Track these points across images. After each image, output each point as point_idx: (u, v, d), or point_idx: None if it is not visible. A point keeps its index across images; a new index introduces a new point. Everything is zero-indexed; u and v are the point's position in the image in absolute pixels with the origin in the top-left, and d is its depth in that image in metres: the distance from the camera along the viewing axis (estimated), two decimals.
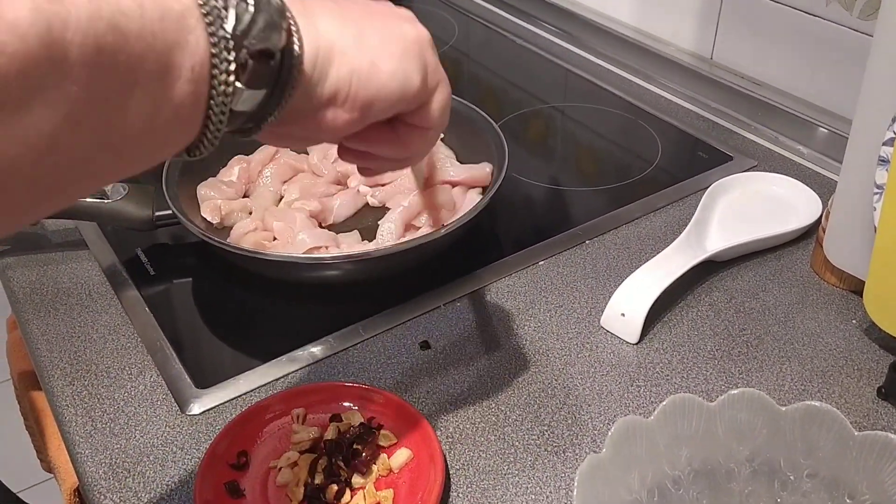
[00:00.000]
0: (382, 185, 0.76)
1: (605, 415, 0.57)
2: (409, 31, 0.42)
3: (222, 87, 0.33)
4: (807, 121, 0.85)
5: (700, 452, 0.48)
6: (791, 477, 0.48)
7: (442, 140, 0.82)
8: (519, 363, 0.61)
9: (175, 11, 0.31)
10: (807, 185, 0.77)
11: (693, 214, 0.72)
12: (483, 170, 0.75)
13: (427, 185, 0.74)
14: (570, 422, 0.57)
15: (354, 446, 0.53)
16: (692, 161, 0.85)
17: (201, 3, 0.32)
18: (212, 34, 0.32)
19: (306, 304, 0.69)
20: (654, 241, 0.73)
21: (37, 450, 0.95)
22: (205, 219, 0.72)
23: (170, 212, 0.68)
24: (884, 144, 0.58)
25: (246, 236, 0.70)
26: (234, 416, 0.56)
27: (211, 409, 0.58)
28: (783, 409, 0.47)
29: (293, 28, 0.36)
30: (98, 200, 0.69)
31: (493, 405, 0.58)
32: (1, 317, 1.00)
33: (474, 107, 0.80)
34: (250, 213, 0.74)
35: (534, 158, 0.88)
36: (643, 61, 1.01)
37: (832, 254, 0.66)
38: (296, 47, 0.36)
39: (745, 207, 0.76)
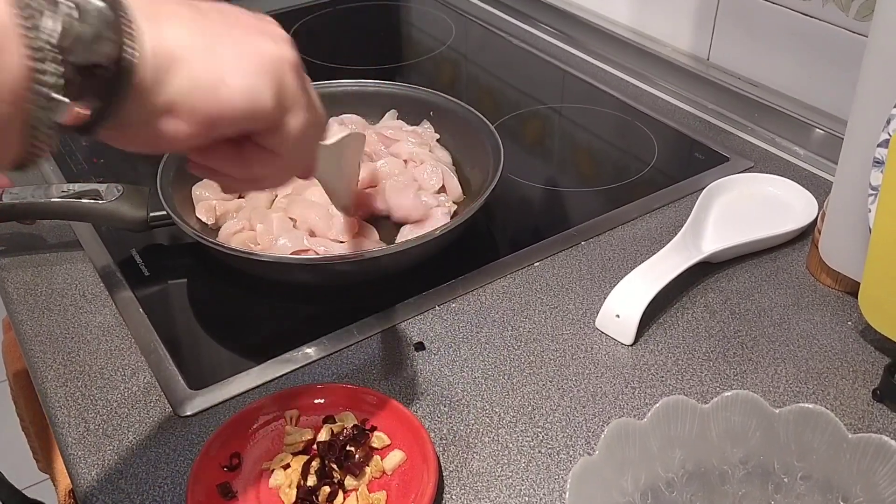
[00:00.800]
0: (375, 186, 0.76)
1: (599, 416, 0.57)
2: (270, 48, 0.39)
3: (45, 103, 0.32)
4: (803, 122, 0.85)
5: (693, 454, 0.48)
6: (785, 479, 0.47)
7: (438, 142, 0.82)
8: (513, 365, 0.61)
9: None
10: (803, 186, 0.77)
11: (689, 215, 0.72)
12: (418, 203, 0.73)
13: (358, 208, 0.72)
14: (563, 423, 0.56)
15: (347, 448, 0.53)
16: (688, 162, 0.85)
17: (21, 17, 0.30)
18: (32, 51, 0.31)
19: (300, 305, 0.68)
20: (650, 243, 0.73)
21: (33, 450, 0.94)
22: (199, 219, 0.72)
23: (164, 212, 0.68)
24: (878, 146, 0.58)
25: (234, 237, 0.70)
26: (227, 417, 0.56)
27: (204, 410, 0.58)
28: (777, 411, 0.47)
29: (127, 35, 0.34)
30: (93, 201, 0.69)
31: (487, 407, 0.58)
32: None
33: (470, 108, 0.80)
34: None
35: (530, 159, 0.88)
36: (640, 62, 1.01)
37: (827, 255, 0.66)
38: (129, 55, 0.34)
39: (741, 208, 0.75)
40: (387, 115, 0.85)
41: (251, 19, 0.41)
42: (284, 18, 1.18)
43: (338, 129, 0.83)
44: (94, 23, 0.32)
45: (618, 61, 1.04)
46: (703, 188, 0.75)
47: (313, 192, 0.73)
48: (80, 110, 0.33)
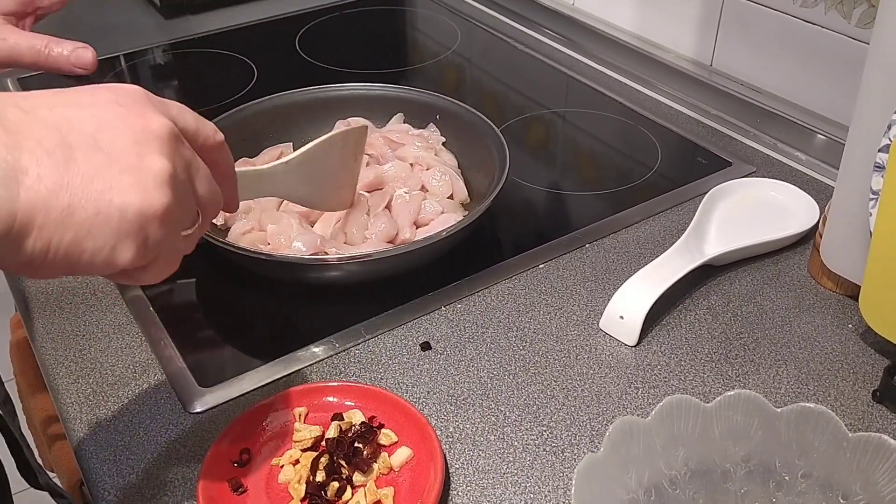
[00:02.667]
0: (380, 189, 0.77)
1: (603, 415, 0.58)
2: (134, 204, 0.37)
3: None
4: (805, 127, 0.86)
5: (696, 453, 0.49)
6: (786, 477, 0.48)
7: (444, 145, 0.83)
8: (519, 365, 0.62)
9: None
10: (804, 190, 0.78)
11: (692, 219, 0.73)
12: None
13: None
14: (568, 422, 0.57)
15: (356, 445, 0.54)
16: (691, 166, 0.86)
17: None
18: None
19: (308, 305, 0.69)
20: (653, 245, 0.74)
21: (38, 448, 0.95)
22: None
23: None
24: (879, 151, 0.59)
25: (243, 237, 0.71)
26: (236, 414, 0.57)
27: (214, 407, 0.59)
28: (778, 410, 0.48)
29: None
30: None
31: (493, 405, 0.59)
32: (5, 316, 1.00)
33: (476, 112, 0.81)
34: None
35: (534, 163, 0.89)
36: (643, 68, 1.02)
37: (829, 259, 0.67)
38: None
39: (744, 212, 0.76)
40: (393, 118, 0.86)
41: (126, 150, 0.38)
42: (291, 22, 1.19)
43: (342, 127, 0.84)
44: None
45: (621, 66, 1.05)
46: (706, 192, 0.76)
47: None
48: None
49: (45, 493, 0.86)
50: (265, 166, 0.62)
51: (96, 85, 0.41)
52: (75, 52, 0.59)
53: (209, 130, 0.45)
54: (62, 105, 0.38)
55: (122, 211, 0.37)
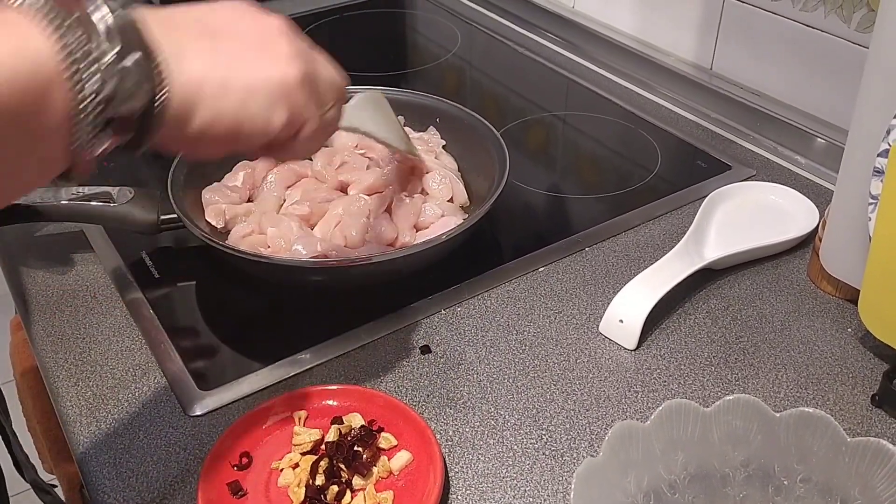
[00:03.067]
0: (381, 193, 0.77)
1: (602, 419, 0.58)
2: (277, 73, 0.44)
3: (85, 138, 0.36)
4: (805, 131, 0.86)
5: (696, 457, 0.49)
6: (785, 482, 0.48)
7: (444, 148, 0.83)
8: (518, 368, 0.62)
9: (37, 82, 0.33)
10: (804, 194, 0.78)
11: (691, 223, 0.73)
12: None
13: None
14: (567, 426, 0.57)
15: (355, 448, 0.54)
16: (691, 170, 0.86)
17: (66, 71, 0.34)
18: (76, 100, 0.34)
19: (308, 308, 0.69)
20: (653, 249, 0.74)
21: (38, 451, 0.95)
22: (209, 223, 0.73)
23: (174, 215, 0.69)
24: (879, 155, 0.59)
25: (243, 240, 0.71)
26: (236, 417, 0.57)
27: (214, 410, 0.59)
28: (777, 415, 0.48)
29: (160, 83, 0.38)
30: (104, 204, 0.70)
31: (493, 409, 0.59)
32: (5, 318, 1.00)
33: (476, 115, 0.81)
34: None
35: (534, 166, 0.89)
36: (644, 71, 1.02)
37: (828, 263, 0.67)
38: (161, 99, 0.38)
39: (743, 216, 0.76)
40: None
41: (259, 36, 0.44)
42: None
43: (345, 136, 0.84)
44: (132, 78, 0.36)
45: (622, 70, 1.05)
46: (706, 196, 0.76)
47: (336, 204, 0.74)
48: (115, 141, 0.38)
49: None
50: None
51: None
52: None
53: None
54: (193, 9, 0.43)
55: (267, 81, 0.43)
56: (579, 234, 0.76)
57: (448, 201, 0.77)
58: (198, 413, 0.59)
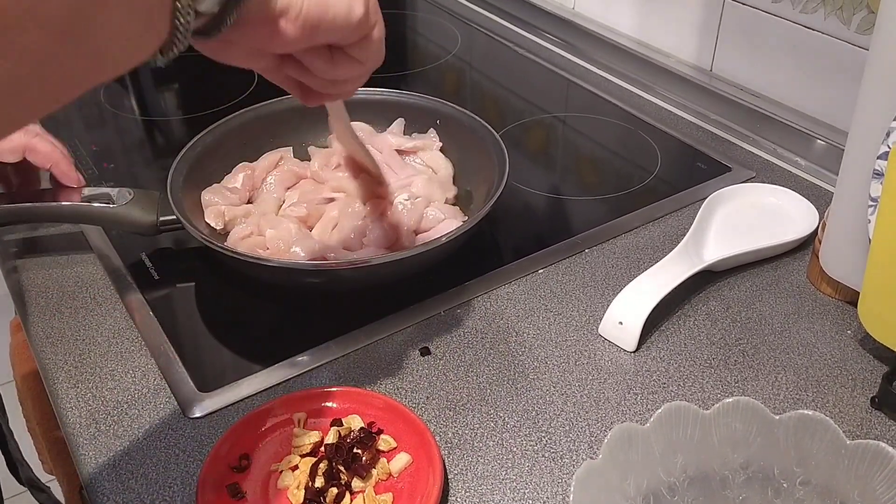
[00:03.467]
0: (382, 198, 0.77)
1: (602, 422, 0.58)
2: None
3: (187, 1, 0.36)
4: (805, 133, 0.86)
5: (695, 459, 0.49)
6: (784, 484, 0.48)
7: (442, 151, 0.83)
8: (518, 370, 0.62)
9: None
10: (804, 196, 0.78)
11: (691, 225, 0.73)
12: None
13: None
14: (567, 428, 0.57)
15: (355, 450, 0.54)
16: (691, 172, 0.86)
17: None
18: None
19: (307, 310, 0.69)
20: (653, 251, 0.74)
21: (39, 452, 0.95)
22: (208, 224, 0.73)
23: (174, 217, 0.69)
24: (878, 158, 0.59)
25: (242, 241, 0.71)
26: (235, 419, 0.57)
27: (213, 412, 0.59)
28: (777, 417, 0.48)
29: None
30: (104, 205, 0.70)
31: (492, 411, 0.59)
32: (5, 319, 1.00)
33: (476, 117, 0.81)
34: None
35: (534, 167, 0.89)
36: (644, 72, 1.03)
37: (828, 265, 0.67)
38: None
39: (743, 218, 0.76)
40: (394, 123, 0.86)
41: None
42: None
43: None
44: None
45: (621, 71, 1.05)
46: (706, 198, 0.76)
47: (333, 207, 0.74)
48: (214, 5, 0.38)
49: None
50: None
51: None
52: None
53: None
54: None
55: None
56: (579, 236, 0.76)
57: (449, 206, 0.77)
58: (197, 415, 0.59)
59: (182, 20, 0.36)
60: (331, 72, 0.48)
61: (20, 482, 0.84)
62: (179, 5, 0.36)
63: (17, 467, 0.83)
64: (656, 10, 1.02)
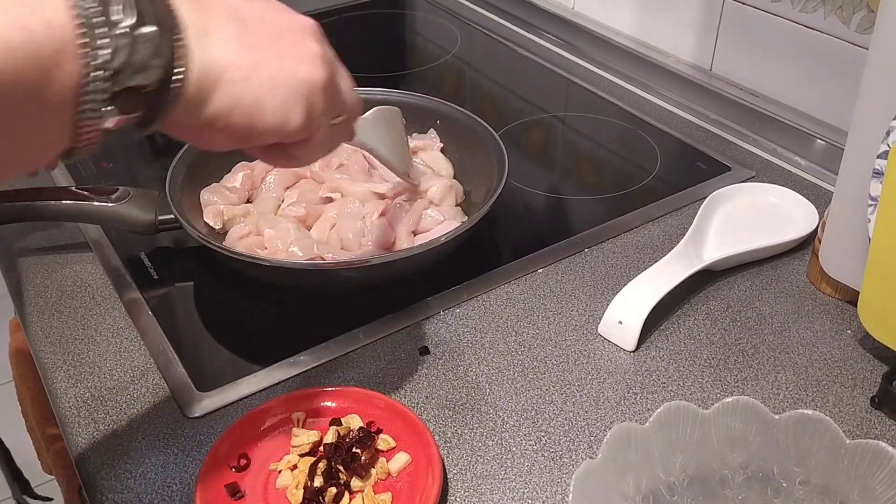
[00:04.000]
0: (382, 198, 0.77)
1: (601, 421, 0.58)
2: (303, 72, 0.43)
3: (91, 112, 0.35)
4: (804, 132, 0.86)
5: (694, 459, 0.49)
6: (784, 484, 0.48)
7: (442, 151, 0.83)
8: (517, 369, 0.62)
9: (50, 48, 0.32)
10: (804, 195, 0.78)
11: (691, 224, 0.73)
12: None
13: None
14: (566, 428, 0.57)
15: (354, 450, 0.54)
16: (691, 171, 0.86)
17: (79, 38, 0.33)
18: (86, 68, 0.33)
19: (306, 309, 0.69)
20: (653, 250, 0.74)
21: (38, 451, 0.95)
22: (207, 223, 0.73)
23: (173, 216, 0.69)
24: (878, 157, 0.59)
25: (240, 241, 0.71)
26: (234, 419, 0.57)
27: (212, 412, 0.59)
28: (776, 417, 0.48)
29: (177, 60, 0.37)
30: (102, 204, 0.70)
31: (491, 411, 0.59)
32: (4, 319, 1.00)
33: (476, 117, 0.81)
34: None
35: (534, 167, 0.89)
36: (643, 72, 1.02)
37: (828, 264, 0.67)
38: (177, 78, 0.37)
39: (743, 218, 0.76)
40: None
41: (289, 32, 0.44)
42: None
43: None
44: (144, 50, 0.35)
45: (621, 71, 1.05)
46: (705, 197, 0.76)
47: (332, 207, 0.74)
48: (124, 118, 0.36)
49: (49, 494, 0.86)
50: None
51: None
52: None
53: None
54: None
55: (295, 76, 0.42)
56: (579, 236, 0.76)
57: (448, 207, 0.76)
58: (196, 415, 0.59)
59: (84, 138, 0.35)
60: (283, 163, 0.48)
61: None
62: (83, 127, 0.35)
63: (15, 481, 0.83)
64: (655, 10, 1.02)
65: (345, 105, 0.48)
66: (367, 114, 0.69)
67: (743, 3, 0.90)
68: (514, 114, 0.98)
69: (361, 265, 0.66)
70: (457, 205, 0.78)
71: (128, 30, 0.34)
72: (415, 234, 0.74)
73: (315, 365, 0.63)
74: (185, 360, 0.63)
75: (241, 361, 0.64)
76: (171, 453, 0.56)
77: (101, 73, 0.34)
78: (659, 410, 0.48)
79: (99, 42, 0.34)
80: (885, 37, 0.58)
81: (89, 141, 0.36)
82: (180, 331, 0.67)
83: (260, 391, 0.60)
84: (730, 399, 0.48)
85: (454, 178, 0.81)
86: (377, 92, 0.87)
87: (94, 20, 0.33)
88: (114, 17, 0.34)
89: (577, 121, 0.98)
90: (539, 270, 0.72)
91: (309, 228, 0.75)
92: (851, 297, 0.67)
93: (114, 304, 0.69)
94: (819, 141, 0.85)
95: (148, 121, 0.37)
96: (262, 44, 0.41)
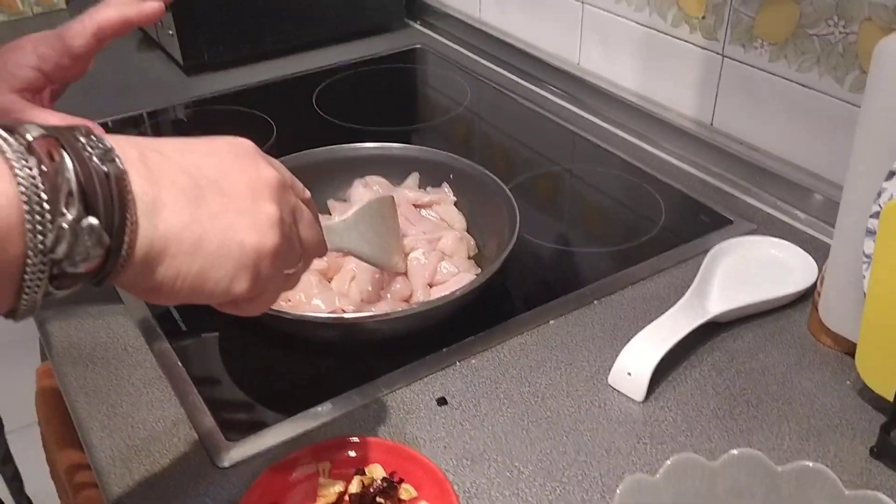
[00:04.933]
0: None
1: (613, 471, 0.60)
2: (253, 241, 0.43)
3: (34, 285, 0.36)
4: (803, 187, 0.90)
5: None
6: None
7: (455, 205, 0.87)
8: (531, 420, 0.65)
9: (4, 247, 0.34)
10: (804, 249, 0.81)
11: (695, 276, 0.76)
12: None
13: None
14: (580, 478, 0.60)
15: (377, 500, 0.57)
16: (694, 224, 0.90)
17: (28, 221, 0.35)
18: (29, 250, 0.35)
19: (329, 360, 0.72)
20: (659, 302, 0.77)
21: (61, 499, 0.98)
22: None
23: None
24: (871, 217, 0.63)
25: None
26: (263, 468, 0.60)
27: (241, 462, 0.62)
28: (779, 469, 0.50)
29: (125, 236, 0.38)
30: None
31: (508, 461, 0.61)
32: (31, 366, 1.04)
33: (486, 171, 0.85)
34: None
35: (543, 218, 0.93)
36: (646, 125, 1.07)
37: (827, 317, 0.70)
38: (122, 255, 0.39)
39: (745, 270, 0.79)
40: (409, 177, 0.90)
41: (245, 194, 0.44)
42: (308, 80, 1.24)
43: (362, 192, 0.88)
44: (86, 242, 0.37)
45: (625, 124, 1.09)
46: (709, 250, 0.80)
47: (351, 259, 0.77)
48: (66, 291, 0.38)
49: None
50: (330, 223, 0.69)
51: (215, 136, 0.47)
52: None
53: (300, 185, 0.51)
54: (190, 151, 0.44)
55: (242, 246, 0.43)
56: (588, 287, 0.79)
57: (461, 259, 0.80)
58: (226, 465, 0.61)
59: (24, 305, 0.37)
60: (236, 312, 0.48)
61: None
62: (24, 291, 0.36)
63: None
64: (656, 66, 1.06)
65: (301, 255, 0.49)
66: (348, 215, 0.71)
67: (741, 63, 0.94)
68: (523, 165, 1.02)
69: (381, 319, 0.70)
70: (469, 257, 0.82)
71: (71, 221, 0.36)
72: (431, 286, 0.77)
73: (338, 415, 0.66)
74: (213, 410, 0.66)
75: (267, 412, 0.67)
76: (203, 503, 0.59)
77: (41, 257, 0.36)
78: (668, 462, 0.50)
79: (40, 228, 0.35)
80: (875, 98, 0.61)
81: (31, 305, 0.37)
82: (209, 381, 0.70)
83: (287, 441, 0.63)
84: (735, 451, 0.51)
85: (467, 230, 0.85)
86: (394, 147, 0.91)
87: (39, 207, 0.35)
88: (60, 208, 0.36)
89: (584, 172, 1.02)
90: (550, 322, 0.75)
91: (330, 280, 0.78)
92: (850, 349, 0.69)
93: (144, 354, 0.72)
94: (818, 195, 0.88)
95: (91, 285, 0.39)
96: (212, 212, 0.42)
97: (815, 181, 0.90)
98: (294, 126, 1.12)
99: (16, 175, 0.35)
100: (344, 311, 0.73)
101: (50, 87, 0.71)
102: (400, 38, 1.39)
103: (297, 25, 1.32)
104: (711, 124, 1.02)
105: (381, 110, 1.18)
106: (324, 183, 0.88)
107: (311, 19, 1.33)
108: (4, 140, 0.36)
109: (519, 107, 1.17)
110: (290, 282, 0.50)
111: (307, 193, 0.52)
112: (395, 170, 0.90)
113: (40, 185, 0.36)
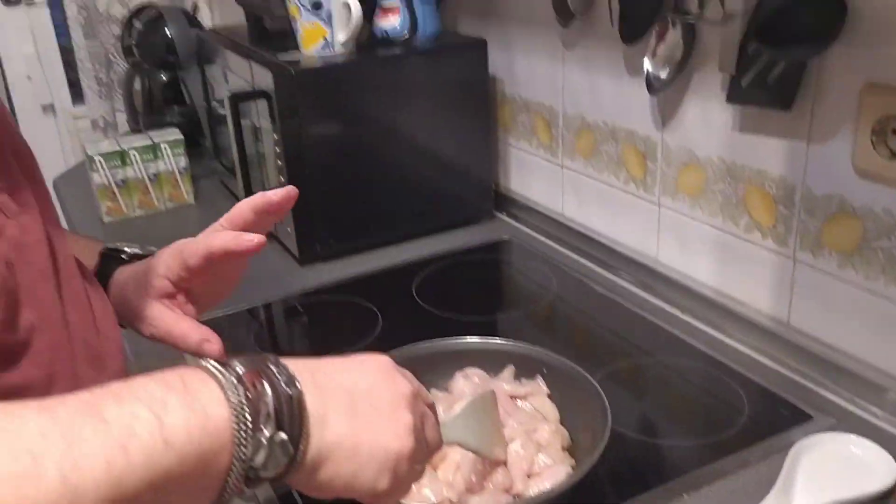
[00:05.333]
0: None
1: None
2: (396, 446, 0.53)
3: (232, 488, 0.46)
4: (878, 385, 0.94)
5: None
6: None
7: (548, 397, 0.94)
8: None
9: (215, 446, 0.44)
10: (882, 446, 0.84)
11: (779, 472, 0.80)
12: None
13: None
14: None
15: None
16: (775, 417, 0.94)
17: (236, 437, 0.45)
18: (236, 461, 0.45)
19: None
20: (746, 497, 0.81)
21: None
22: None
23: None
24: None
25: None
26: None
27: None
28: None
29: (301, 447, 0.49)
30: None
31: None
32: None
33: (577, 367, 0.92)
34: None
35: (630, 409, 0.98)
36: (723, 319, 1.13)
37: None
38: (296, 465, 0.49)
39: (826, 468, 0.83)
40: (505, 370, 0.98)
41: (389, 405, 0.55)
42: (407, 272, 1.36)
43: (463, 383, 0.96)
44: (278, 452, 0.47)
45: (703, 316, 1.16)
46: (790, 444, 0.84)
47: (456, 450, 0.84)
48: (254, 488, 0.48)
49: None
50: (444, 418, 0.76)
51: (363, 355, 0.58)
52: (204, 345, 0.74)
53: (425, 392, 0.62)
54: (346, 371, 0.55)
55: (386, 451, 0.53)
56: (677, 480, 0.84)
57: (556, 451, 0.86)
58: None
59: (226, 495, 0.46)
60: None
61: None
62: (225, 489, 0.45)
63: None
64: (732, 265, 1.13)
65: (427, 454, 0.59)
66: (457, 411, 0.79)
67: (812, 267, 1.01)
68: (608, 355, 1.09)
69: None
70: (563, 449, 0.88)
71: (269, 438, 0.46)
72: (529, 476, 0.84)
73: None
74: None
75: None
76: None
77: (242, 467, 0.46)
78: None
79: (248, 441, 0.46)
80: None
81: (226, 501, 0.46)
82: None
83: None
84: None
85: (560, 422, 0.92)
86: (491, 343, 1.00)
87: (245, 427, 0.45)
88: (261, 426, 0.46)
89: (666, 362, 1.08)
90: None
91: (435, 470, 0.85)
92: None
93: None
94: (893, 393, 0.92)
95: (271, 485, 0.51)
96: (365, 422, 0.52)
97: (890, 380, 0.94)
98: (396, 315, 1.23)
99: (229, 401, 0.46)
100: (451, 502, 0.80)
101: (184, 293, 0.78)
102: (489, 229, 1.52)
103: (399, 219, 1.47)
104: (788, 322, 1.07)
105: (474, 299, 1.29)
106: (428, 374, 0.95)
107: (410, 213, 1.48)
108: (221, 373, 0.48)
109: (599, 297, 1.26)
110: (419, 475, 0.59)
111: (430, 399, 0.62)
112: (491, 363, 0.98)
113: (246, 409, 0.47)
